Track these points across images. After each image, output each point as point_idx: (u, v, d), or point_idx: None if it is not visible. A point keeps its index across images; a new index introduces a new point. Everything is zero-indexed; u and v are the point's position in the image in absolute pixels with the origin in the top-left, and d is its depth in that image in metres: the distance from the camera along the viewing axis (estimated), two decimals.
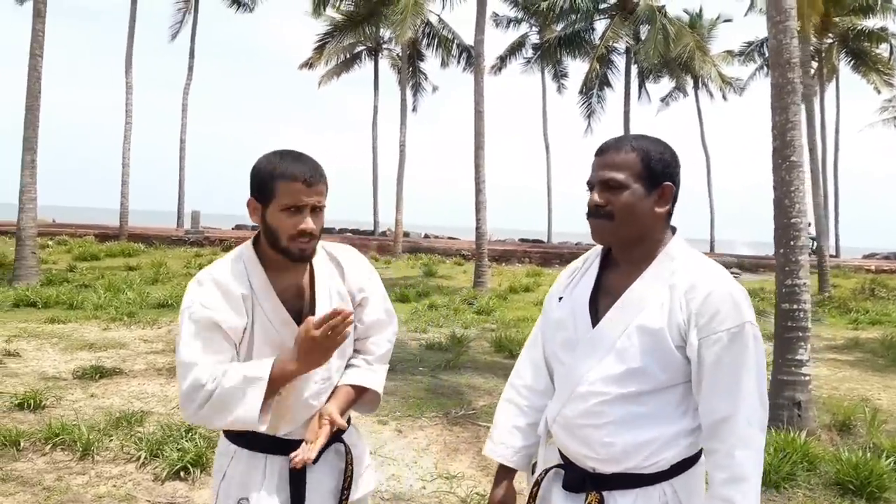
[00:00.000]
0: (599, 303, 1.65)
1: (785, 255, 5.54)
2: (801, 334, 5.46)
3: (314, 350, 1.63)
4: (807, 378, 5.42)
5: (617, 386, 1.57)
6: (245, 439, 1.80)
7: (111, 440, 4.52)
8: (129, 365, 6.68)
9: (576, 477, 1.65)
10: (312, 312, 1.78)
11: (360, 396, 1.89)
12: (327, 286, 1.83)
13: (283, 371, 1.66)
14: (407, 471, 4.31)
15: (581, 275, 1.75)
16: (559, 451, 1.72)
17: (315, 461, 1.75)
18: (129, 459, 4.24)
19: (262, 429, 1.68)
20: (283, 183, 1.68)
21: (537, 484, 1.73)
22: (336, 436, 1.84)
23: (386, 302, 1.97)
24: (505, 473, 1.81)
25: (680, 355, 1.55)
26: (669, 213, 1.63)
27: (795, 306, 5.48)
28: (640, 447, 1.57)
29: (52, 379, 6.07)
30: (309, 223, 1.70)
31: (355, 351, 1.94)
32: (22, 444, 4.33)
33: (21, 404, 5.13)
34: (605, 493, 1.60)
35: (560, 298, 1.76)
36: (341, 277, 1.88)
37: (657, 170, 1.59)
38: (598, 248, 1.75)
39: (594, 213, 1.62)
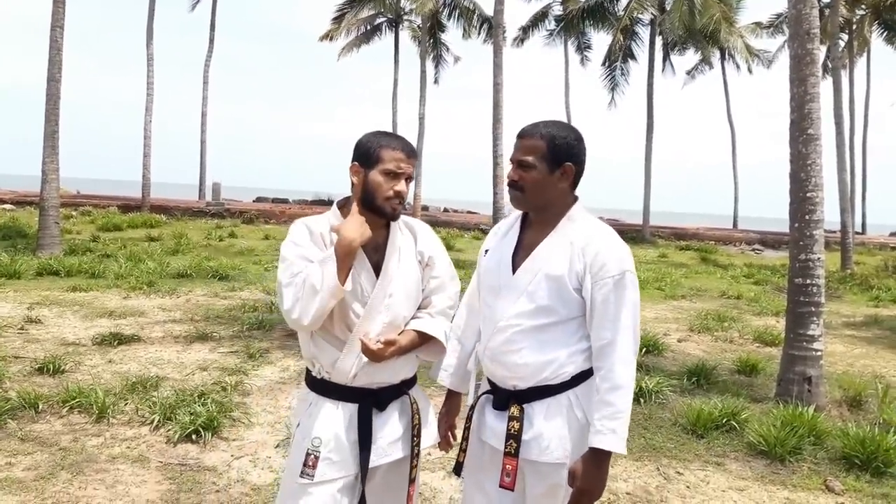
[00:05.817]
0: (518, 256, 2.07)
1: (800, 230, 5.47)
2: (813, 309, 5.41)
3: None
4: (818, 353, 5.38)
5: (528, 319, 2.00)
6: (322, 387, 2.09)
7: (126, 404, 4.64)
8: (146, 332, 6.82)
9: (502, 397, 2.07)
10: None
11: (424, 343, 2.16)
12: (398, 246, 2.14)
13: (340, 245, 1.98)
14: None
15: (505, 234, 2.16)
16: (488, 380, 2.15)
17: (382, 409, 2.10)
18: (143, 422, 4.36)
19: (343, 294, 1.98)
20: (388, 151, 2.04)
21: (472, 408, 2.16)
22: (402, 390, 2.15)
23: (451, 267, 2.25)
24: (450, 394, 2.32)
25: (576, 295, 1.97)
26: (574, 185, 2.06)
27: (809, 281, 5.43)
28: (546, 364, 1.99)
29: (72, 345, 6.22)
30: (403, 186, 2.05)
31: (420, 308, 2.18)
32: (40, 406, 4.46)
33: (41, 369, 5.29)
34: (525, 406, 2.01)
35: (487, 251, 2.18)
36: (414, 242, 2.19)
37: (560, 152, 1.99)
38: (518, 212, 2.16)
39: (511, 185, 2.04)
